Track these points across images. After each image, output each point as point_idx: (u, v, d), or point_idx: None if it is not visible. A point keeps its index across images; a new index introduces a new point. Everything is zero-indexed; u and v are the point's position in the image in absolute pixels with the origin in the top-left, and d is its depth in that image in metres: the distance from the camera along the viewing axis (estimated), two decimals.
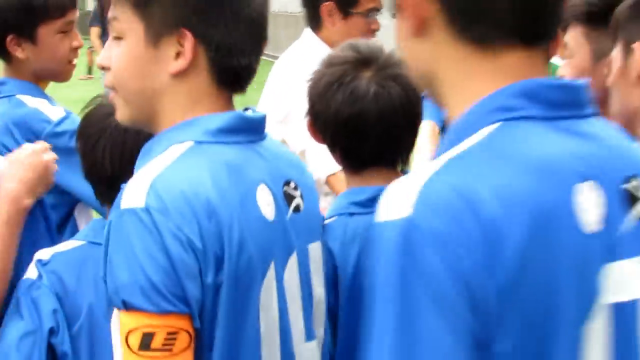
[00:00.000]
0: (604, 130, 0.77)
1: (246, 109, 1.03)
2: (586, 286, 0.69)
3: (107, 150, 1.19)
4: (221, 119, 0.98)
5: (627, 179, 0.73)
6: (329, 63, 1.26)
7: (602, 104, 1.19)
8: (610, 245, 0.71)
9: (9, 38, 1.68)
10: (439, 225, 0.63)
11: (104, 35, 8.44)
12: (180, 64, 0.96)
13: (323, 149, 1.32)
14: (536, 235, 0.65)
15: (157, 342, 0.86)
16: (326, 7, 2.02)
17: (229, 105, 1.01)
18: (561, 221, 0.68)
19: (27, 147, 1.41)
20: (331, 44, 1.95)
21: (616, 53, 1.24)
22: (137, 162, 1.00)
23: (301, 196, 1.05)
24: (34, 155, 1.38)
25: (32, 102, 1.67)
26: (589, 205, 0.70)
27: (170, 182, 0.90)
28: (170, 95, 0.99)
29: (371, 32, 2.07)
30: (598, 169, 0.71)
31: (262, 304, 0.96)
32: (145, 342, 0.86)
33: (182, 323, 0.87)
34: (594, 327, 0.69)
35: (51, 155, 1.40)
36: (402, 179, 0.71)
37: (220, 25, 0.96)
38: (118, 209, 0.92)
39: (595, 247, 0.69)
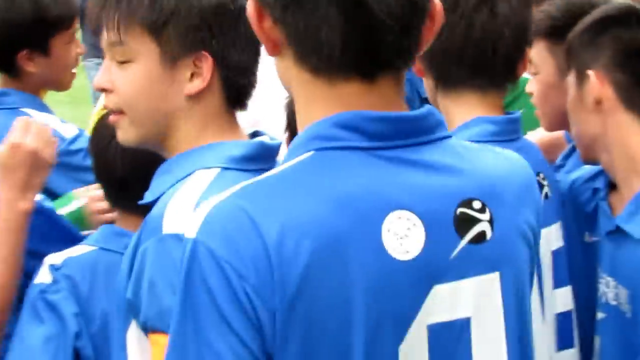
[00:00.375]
0: (450, 154, 0.76)
1: (256, 134, 1.07)
2: (399, 308, 0.71)
3: (119, 152, 1.19)
4: (245, 146, 1.00)
5: (462, 204, 0.74)
6: None
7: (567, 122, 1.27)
8: (430, 270, 0.72)
9: (22, 53, 1.66)
10: (222, 249, 0.66)
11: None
12: (198, 85, 0.98)
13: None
14: (321, 263, 0.67)
15: None
16: None
17: (236, 123, 1.06)
18: (359, 249, 0.69)
19: (4, 143, 1.31)
20: None
21: (571, 79, 1.23)
22: (155, 179, 1.02)
23: None
24: (15, 150, 1.29)
25: (39, 117, 1.61)
26: (401, 234, 0.71)
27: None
28: (184, 117, 1.01)
29: None
30: (418, 197, 0.72)
31: None
32: None
33: None
34: (411, 345, 0.72)
35: (36, 137, 1.31)
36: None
37: (236, 45, 0.99)
38: (159, 234, 0.91)
39: (410, 272, 0.71)
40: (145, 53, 0.99)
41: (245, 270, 0.66)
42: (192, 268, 0.68)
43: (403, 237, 0.71)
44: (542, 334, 1.14)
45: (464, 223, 0.74)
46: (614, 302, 1.19)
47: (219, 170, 0.96)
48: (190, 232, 0.69)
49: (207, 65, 0.97)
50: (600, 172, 1.29)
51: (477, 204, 0.75)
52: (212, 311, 0.67)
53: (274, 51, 0.74)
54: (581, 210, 1.33)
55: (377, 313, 0.70)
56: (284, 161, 0.76)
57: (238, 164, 0.97)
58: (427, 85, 1.25)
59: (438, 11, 0.74)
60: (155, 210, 0.94)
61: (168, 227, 0.90)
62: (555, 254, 1.23)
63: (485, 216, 0.76)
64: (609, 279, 1.20)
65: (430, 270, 0.73)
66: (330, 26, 0.69)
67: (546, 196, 1.24)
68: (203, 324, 0.68)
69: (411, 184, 0.72)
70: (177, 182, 0.96)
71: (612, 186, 1.26)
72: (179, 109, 1.00)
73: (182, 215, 0.88)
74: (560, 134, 1.55)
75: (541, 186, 1.20)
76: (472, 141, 0.95)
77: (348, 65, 0.70)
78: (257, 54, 1.02)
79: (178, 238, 0.82)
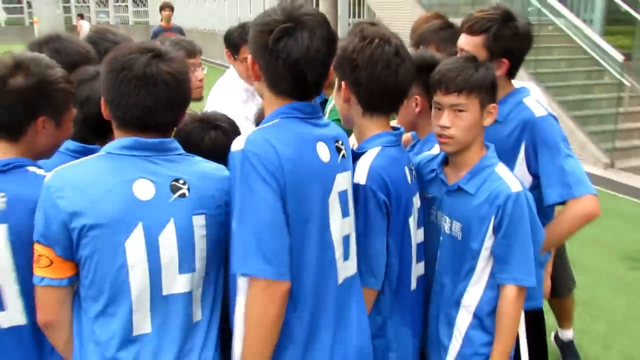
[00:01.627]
0: (327, 122, 1.76)
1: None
2: (325, 182, 1.65)
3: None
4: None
5: (336, 140, 1.73)
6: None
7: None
8: (335, 167, 1.68)
9: (41, 119, 1.66)
10: (259, 151, 1.55)
11: None
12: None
13: None
14: (297, 160, 1.59)
15: None
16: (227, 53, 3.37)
17: None
18: (309, 155, 1.63)
19: None
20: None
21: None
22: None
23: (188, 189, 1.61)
24: None
25: None
26: (323, 151, 1.66)
27: None
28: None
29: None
30: (324, 137, 1.69)
31: None
32: None
33: None
34: (332, 200, 1.67)
35: None
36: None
37: None
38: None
39: (327, 167, 1.66)
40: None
41: (270, 163, 1.55)
42: (244, 161, 1.54)
43: (322, 152, 1.66)
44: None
45: (339, 149, 1.72)
46: (448, 232, 1.95)
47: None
48: (240, 146, 1.56)
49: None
50: (433, 157, 2.05)
51: (340, 142, 1.75)
52: (257, 177, 1.53)
53: (257, 78, 1.69)
54: (423, 179, 2.04)
55: (320, 183, 1.64)
56: (265, 121, 1.66)
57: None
58: (354, 109, 1.88)
59: (330, 73, 1.69)
60: None
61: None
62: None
63: (344, 147, 1.75)
64: (447, 217, 1.95)
65: (335, 167, 1.68)
66: (286, 79, 1.63)
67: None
68: (253, 184, 1.54)
69: (320, 132, 1.69)
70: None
71: (445, 164, 2.01)
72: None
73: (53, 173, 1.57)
74: (410, 134, 2.39)
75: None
76: (382, 146, 1.86)
77: (292, 94, 1.67)
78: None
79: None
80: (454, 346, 1.94)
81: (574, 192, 2.07)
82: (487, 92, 1.90)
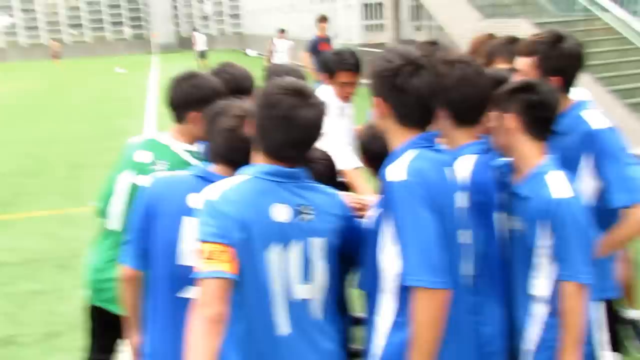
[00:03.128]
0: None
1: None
2: (454, 201, 1.90)
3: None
4: None
5: (451, 163, 1.99)
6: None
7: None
8: (455, 187, 1.94)
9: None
10: (420, 180, 1.77)
11: None
12: None
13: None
14: (439, 182, 1.86)
15: None
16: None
17: None
18: (446, 179, 1.90)
19: None
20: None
21: (494, 115, 2.18)
22: None
23: (309, 214, 1.84)
24: None
25: None
26: (449, 173, 1.91)
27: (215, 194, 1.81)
28: None
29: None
30: (448, 161, 1.96)
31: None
32: None
33: None
34: (455, 214, 1.91)
35: None
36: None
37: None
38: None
39: (454, 187, 1.94)
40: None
41: (430, 188, 1.78)
42: (408, 188, 1.77)
43: (448, 174, 1.92)
44: None
45: (452, 171, 1.96)
46: (517, 228, 2.14)
47: (251, 176, 1.84)
48: (401, 176, 1.78)
49: None
50: (507, 164, 2.23)
51: (451, 164, 1.98)
52: (423, 203, 1.76)
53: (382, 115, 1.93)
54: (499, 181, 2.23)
55: (452, 200, 1.90)
56: (399, 152, 1.86)
57: (272, 177, 1.86)
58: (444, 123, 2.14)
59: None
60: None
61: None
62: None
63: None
64: (512, 216, 2.15)
65: (454, 187, 1.93)
66: (415, 112, 1.93)
67: None
68: (418, 209, 1.76)
69: (442, 157, 1.95)
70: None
71: (512, 170, 2.20)
72: None
73: (213, 193, 1.80)
74: None
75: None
76: (476, 153, 2.12)
77: (419, 124, 1.92)
78: None
79: (205, 200, 1.80)
80: (536, 332, 2.09)
81: (636, 198, 2.25)
82: (504, 102, 2.16)
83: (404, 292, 1.79)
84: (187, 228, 2.01)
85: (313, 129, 1.83)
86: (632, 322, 3.50)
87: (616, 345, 2.66)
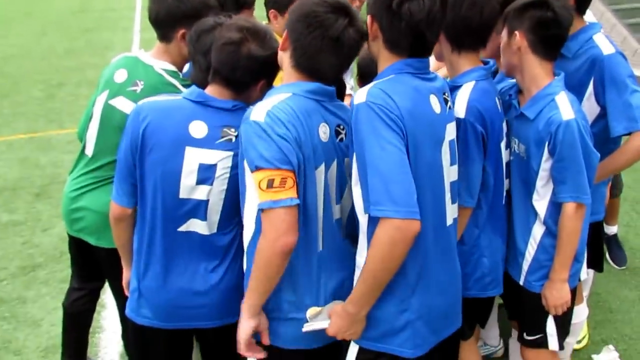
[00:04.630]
0: (434, 78, 1.83)
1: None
2: (440, 134, 1.79)
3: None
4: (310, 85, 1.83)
5: (444, 93, 1.85)
6: None
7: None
8: (445, 118, 1.81)
9: (261, 83, 1.97)
10: (381, 102, 1.65)
11: None
12: None
13: None
14: (413, 111, 1.69)
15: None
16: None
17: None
18: (424, 107, 1.74)
19: None
20: None
21: (504, 34, 2.14)
22: None
23: (345, 133, 1.85)
24: None
25: None
26: (435, 103, 1.80)
27: (277, 112, 1.75)
28: None
29: None
30: (435, 90, 1.80)
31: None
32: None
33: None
34: (444, 151, 1.81)
35: None
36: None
37: None
38: (247, 120, 1.74)
39: (440, 118, 1.79)
40: None
41: (392, 112, 1.66)
42: (369, 112, 1.65)
43: (435, 104, 1.78)
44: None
45: (446, 101, 1.85)
46: (517, 151, 2.19)
47: (291, 94, 1.76)
48: (362, 99, 1.67)
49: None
50: (512, 86, 2.25)
51: (447, 94, 1.87)
52: (383, 125, 1.63)
53: (372, 37, 1.79)
54: (503, 105, 2.21)
55: (433, 134, 1.78)
56: (379, 77, 1.76)
57: (302, 92, 1.78)
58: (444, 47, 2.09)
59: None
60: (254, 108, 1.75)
61: (252, 116, 1.72)
62: None
63: (450, 99, 1.88)
64: (515, 139, 2.19)
65: (445, 117, 1.82)
66: (407, 40, 1.75)
67: None
68: (380, 131, 1.63)
69: (431, 85, 1.80)
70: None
71: (519, 92, 2.21)
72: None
73: (261, 111, 1.71)
74: None
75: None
76: (475, 80, 2.04)
77: (411, 53, 1.77)
78: None
79: (255, 123, 1.70)
80: (530, 252, 2.19)
81: (638, 126, 2.31)
82: (514, 20, 2.09)
83: (372, 227, 1.69)
84: (190, 159, 1.90)
85: (357, 50, 1.81)
86: (607, 238, 3.77)
87: (596, 263, 2.79)
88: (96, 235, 2.46)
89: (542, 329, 2.26)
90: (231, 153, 1.90)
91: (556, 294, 2.16)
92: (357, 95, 1.70)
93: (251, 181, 1.71)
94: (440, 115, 1.78)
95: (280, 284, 1.77)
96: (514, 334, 2.61)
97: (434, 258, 1.80)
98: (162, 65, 2.30)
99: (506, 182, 2.22)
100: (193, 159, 1.90)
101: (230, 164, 1.91)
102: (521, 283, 2.25)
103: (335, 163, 1.82)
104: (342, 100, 2.09)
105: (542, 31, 2.05)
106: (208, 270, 1.99)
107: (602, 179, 2.47)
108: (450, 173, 1.84)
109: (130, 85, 2.30)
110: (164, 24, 2.28)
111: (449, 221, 1.86)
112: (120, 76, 2.33)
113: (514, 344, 2.62)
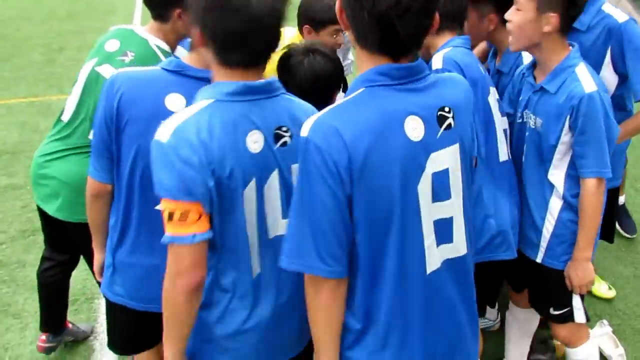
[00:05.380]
0: (432, 83, 1.43)
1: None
2: (416, 164, 1.38)
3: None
4: (232, 85, 1.54)
5: (440, 109, 1.42)
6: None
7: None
8: (429, 145, 1.40)
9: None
10: (321, 144, 1.31)
11: None
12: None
13: None
14: (374, 146, 1.33)
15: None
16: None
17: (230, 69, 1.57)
18: (393, 136, 1.35)
19: None
20: None
21: (532, 11, 2.04)
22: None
23: (290, 136, 1.56)
24: None
25: None
26: (413, 127, 1.38)
27: (184, 130, 1.47)
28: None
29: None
30: (419, 107, 1.39)
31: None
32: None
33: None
34: (423, 184, 1.40)
35: None
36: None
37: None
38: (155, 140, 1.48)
39: (419, 147, 1.38)
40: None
41: (332, 159, 1.31)
42: (306, 152, 1.33)
43: (414, 128, 1.38)
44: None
45: (442, 119, 1.43)
46: (533, 126, 2.16)
47: (212, 100, 1.49)
48: (305, 133, 1.34)
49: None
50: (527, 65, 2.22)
51: (447, 109, 1.44)
52: (316, 175, 1.33)
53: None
54: (517, 87, 2.26)
55: (405, 168, 1.37)
56: (350, 89, 1.41)
57: (226, 98, 1.49)
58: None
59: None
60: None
61: (157, 135, 1.46)
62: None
63: (451, 115, 1.44)
64: (531, 114, 2.16)
65: (430, 145, 1.41)
66: (373, 33, 1.35)
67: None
68: (312, 181, 1.34)
69: (415, 101, 1.39)
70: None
71: (533, 68, 2.18)
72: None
73: (167, 129, 1.45)
74: (485, 44, 2.64)
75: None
76: (453, 46, 2.09)
77: (381, 50, 1.38)
78: None
79: (158, 144, 1.44)
80: (548, 228, 2.17)
81: None
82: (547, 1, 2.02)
83: None
84: None
85: (267, 12, 1.46)
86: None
87: (608, 233, 2.79)
88: (59, 206, 2.39)
89: (569, 303, 2.25)
90: None
91: (581, 274, 2.13)
92: (306, 122, 1.37)
93: None
94: (421, 143, 1.39)
95: (211, 314, 1.61)
96: (512, 307, 2.63)
97: (412, 310, 1.47)
98: (156, 42, 2.25)
99: (504, 147, 2.19)
100: None
101: None
102: (539, 260, 2.23)
103: (275, 173, 1.57)
104: None
105: (574, 10, 2.03)
106: None
107: (621, 140, 2.45)
108: (435, 210, 1.45)
109: (120, 55, 2.25)
110: (158, 3, 2.22)
111: (431, 268, 1.47)
112: (112, 45, 2.29)
113: (511, 318, 2.65)
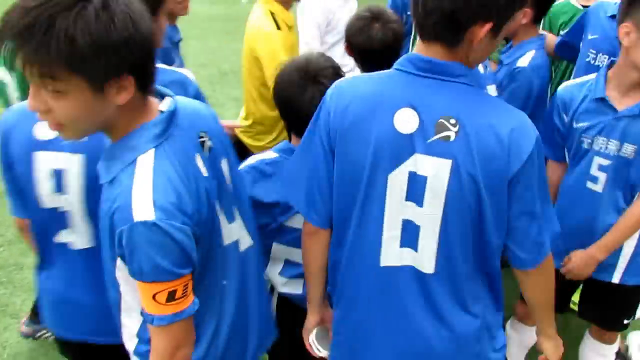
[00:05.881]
0: (451, 91, 1.35)
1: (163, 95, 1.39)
2: (391, 155, 1.38)
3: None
4: (160, 123, 1.29)
5: (445, 117, 1.34)
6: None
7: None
8: (415, 144, 1.36)
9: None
10: (330, 95, 1.49)
11: None
12: (125, 97, 1.21)
13: None
14: (360, 119, 1.41)
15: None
16: None
17: (148, 101, 1.32)
18: (380, 118, 1.40)
19: None
20: None
21: (634, 33, 1.97)
22: (106, 162, 1.30)
23: (210, 138, 1.42)
24: None
25: None
26: (406, 118, 1.36)
27: (163, 197, 1.22)
28: (118, 116, 1.26)
29: None
30: (423, 104, 1.35)
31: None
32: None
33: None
34: (396, 176, 1.40)
35: None
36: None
37: (149, 62, 1.25)
38: (131, 221, 1.19)
39: (403, 139, 1.37)
40: (76, 86, 1.15)
41: (331, 109, 1.46)
42: (324, 100, 1.50)
43: (404, 121, 1.37)
44: None
45: (443, 127, 1.35)
46: (617, 154, 2.07)
47: (153, 149, 1.27)
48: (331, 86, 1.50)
49: (130, 82, 1.21)
50: (583, 85, 2.16)
51: (452, 121, 1.34)
52: (318, 119, 1.50)
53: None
54: (573, 110, 2.17)
55: (379, 151, 1.39)
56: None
57: (162, 137, 1.29)
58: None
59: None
60: (121, 199, 1.21)
61: (138, 216, 1.20)
62: None
63: (455, 129, 1.34)
64: (615, 141, 2.06)
65: (416, 144, 1.36)
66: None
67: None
68: (315, 122, 1.51)
69: (423, 96, 1.36)
70: (125, 167, 1.25)
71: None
72: (114, 114, 1.25)
73: (145, 205, 1.20)
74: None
75: None
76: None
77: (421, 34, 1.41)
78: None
79: (146, 225, 1.19)
80: (628, 248, 2.17)
81: None
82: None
83: None
84: (40, 166, 1.59)
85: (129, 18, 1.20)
86: None
87: None
88: None
89: (636, 308, 2.35)
90: None
91: None
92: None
93: (136, 285, 1.29)
94: (408, 137, 1.37)
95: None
96: (515, 322, 2.62)
97: (362, 294, 1.52)
98: None
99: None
100: (43, 165, 1.64)
101: None
102: (616, 281, 2.23)
103: (221, 187, 1.46)
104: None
105: None
106: None
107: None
108: (406, 209, 1.41)
109: None
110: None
111: (388, 261, 1.46)
112: None
113: (513, 328, 2.63)
